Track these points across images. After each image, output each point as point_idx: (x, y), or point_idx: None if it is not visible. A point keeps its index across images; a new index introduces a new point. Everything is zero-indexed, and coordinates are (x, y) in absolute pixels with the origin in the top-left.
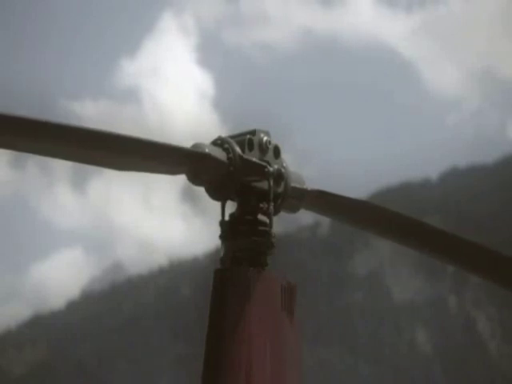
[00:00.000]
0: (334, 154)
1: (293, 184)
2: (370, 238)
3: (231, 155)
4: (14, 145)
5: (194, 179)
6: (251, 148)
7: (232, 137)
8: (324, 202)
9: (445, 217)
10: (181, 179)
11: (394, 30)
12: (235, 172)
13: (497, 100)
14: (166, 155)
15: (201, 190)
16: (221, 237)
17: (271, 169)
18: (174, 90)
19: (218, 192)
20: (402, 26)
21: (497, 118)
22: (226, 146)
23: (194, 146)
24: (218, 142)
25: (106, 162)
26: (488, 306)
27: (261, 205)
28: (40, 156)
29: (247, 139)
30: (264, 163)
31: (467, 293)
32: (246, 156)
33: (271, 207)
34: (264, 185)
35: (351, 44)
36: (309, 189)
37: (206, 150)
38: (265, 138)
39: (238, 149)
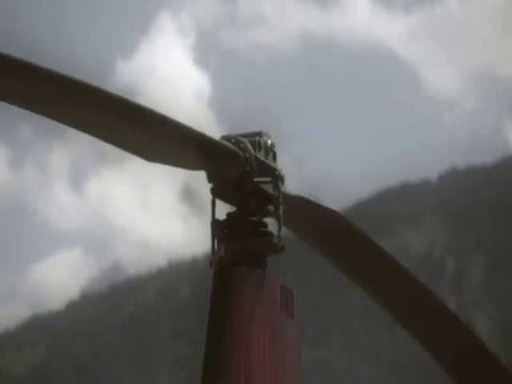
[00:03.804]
0: (332, 154)
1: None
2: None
3: (247, 155)
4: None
5: (213, 175)
6: (259, 149)
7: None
8: (300, 209)
9: (444, 217)
10: (181, 179)
11: (392, 31)
12: (250, 172)
13: (496, 100)
14: (192, 146)
15: (200, 189)
16: (219, 236)
17: (282, 172)
18: (171, 90)
19: (226, 191)
20: (400, 27)
21: (496, 118)
22: (242, 145)
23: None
24: (233, 141)
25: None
26: (487, 306)
27: (268, 207)
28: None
29: (257, 140)
30: (275, 166)
31: (466, 293)
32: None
33: (280, 210)
34: (266, 187)
35: (349, 45)
36: (292, 194)
37: (231, 147)
38: (269, 141)
39: (252, 149)
